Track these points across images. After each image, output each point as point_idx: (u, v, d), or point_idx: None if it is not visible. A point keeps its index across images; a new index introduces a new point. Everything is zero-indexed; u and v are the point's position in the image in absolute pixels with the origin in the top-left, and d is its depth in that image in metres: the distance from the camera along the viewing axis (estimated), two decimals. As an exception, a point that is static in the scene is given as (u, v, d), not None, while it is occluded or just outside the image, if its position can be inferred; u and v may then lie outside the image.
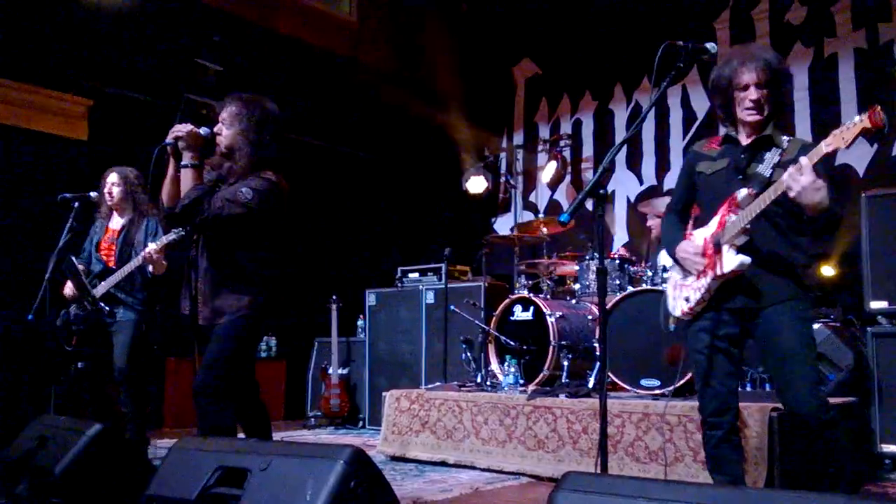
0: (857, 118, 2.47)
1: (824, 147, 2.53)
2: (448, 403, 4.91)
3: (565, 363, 4.97)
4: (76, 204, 4.47)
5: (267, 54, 7.60)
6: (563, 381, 4.89)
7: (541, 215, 7.88)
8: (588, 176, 7.75)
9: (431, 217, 8.91)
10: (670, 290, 3.04)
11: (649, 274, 4.93)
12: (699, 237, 2.89)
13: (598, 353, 4.81)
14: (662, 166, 7.29)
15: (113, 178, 4.60)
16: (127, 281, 4.44)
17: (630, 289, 4.84)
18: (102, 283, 4.43)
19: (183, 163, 3.13)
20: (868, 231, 4.60)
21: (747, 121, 2.83)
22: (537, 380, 5.04)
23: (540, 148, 8.22)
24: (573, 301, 5.55)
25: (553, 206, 8.04)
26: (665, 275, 4.83)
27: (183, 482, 2.33)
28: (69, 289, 4.49)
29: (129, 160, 4.76)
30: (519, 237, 5.94)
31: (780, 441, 3.62)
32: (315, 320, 7.43)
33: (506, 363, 5.12)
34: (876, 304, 4.54)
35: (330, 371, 6.93)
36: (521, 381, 5.01)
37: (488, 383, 5.21)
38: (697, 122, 7.07)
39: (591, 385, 4.67)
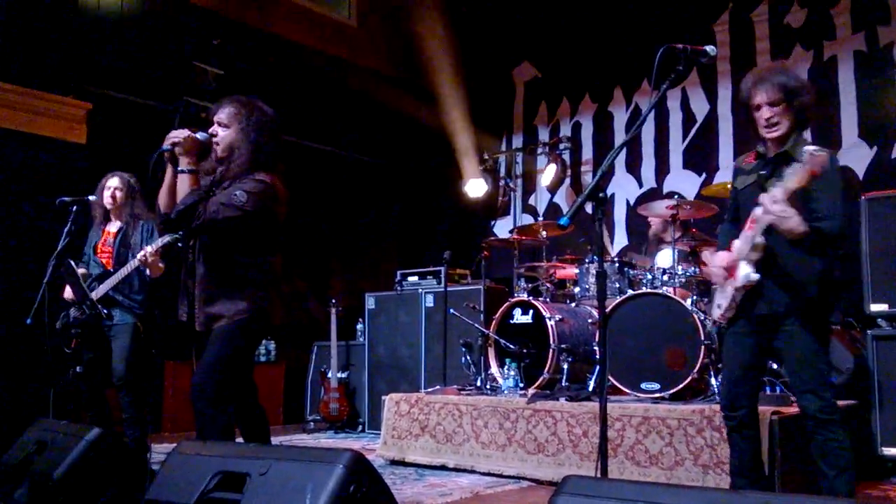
0: (803, 166, 2.66)
1: (790, 185, 2.68)
2: (448, 407, 4.90)
3: (565, 366, 4.96)
4: (74, 208, 4.47)
5: (266, 58, 7.60)
6: (563, 384, 4.88)
7: (540, 218, 7.89)
8: (587, 179, 7.75)
9: (431, 220, 8.91)
10: (715, 296, 3.19)
11: (649, 277, 4.93)
12: (734, 248, 3.02)
13: (598, 357, 4.80)
14: (662, 169, 7.29)
15: (116, 182, 4.61)
16: (125, 284, 4.44)
17: (630, 292, 4.84)
18: (101, 285, 4.44)
19: (180, 168, 3.12)
20: (868, 233, 4.59)
21: (766, 137, 3.00)
22: (537, 383, 5.04)
23: (539, 151, 8.22)
24: (573, 304, 5.54)
25: (552, 210, 8.04)
26: (664, 278, 4.84)
27: (182, 487, 2.32)
28: (69, 292, 4.49)
29: (129, 164, 4.76)
30: (518, 240, 5.93)
31: (780, 445, 3.61)
32: (314, 324, 7.43)
33: (506, 367, 5.11)
34: (876, 307, 4.54)
35: (329, 375, 6.93)
36: (521, 385, 5.01)
37: (488, 387, 5.20)
38: (697, 125, 7.07)
39: (591, 388, 4.67)
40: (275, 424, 7.23)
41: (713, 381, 4.34)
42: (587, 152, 7.90)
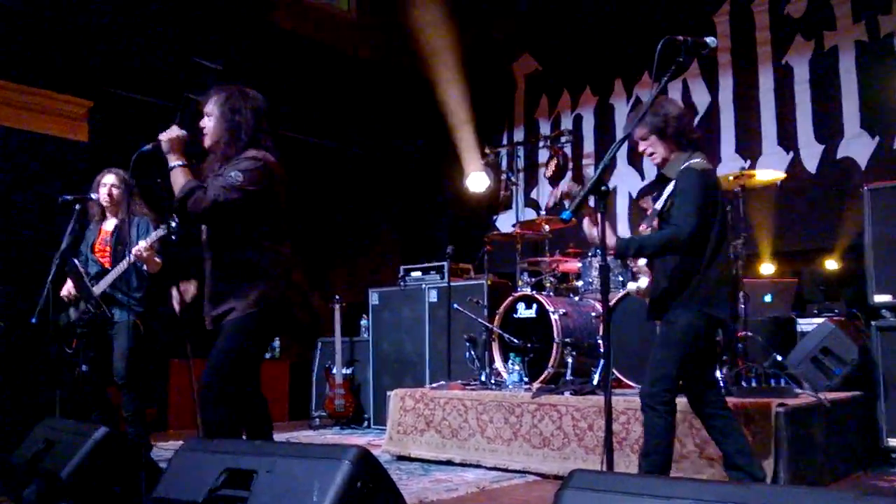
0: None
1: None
2: (453, 402, 4.90)
3: (569, 360, 4.97)
4: (77, 206, 4.47)
5: (266, 51, 7.59)
6: (568, 378, 4.88)
7: (542, 212, 7.89)
8: (590, 172, 7.75)
9: (433, 215, 8.90)
10: None
11: (652, 270, 4.92)
12: None
13: (602, 350, 4.81)
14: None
15: (112, 179, 4.61)
16: (122, 281, 4.44)
17: (633, 285, 4.83)
18: (99, 283, 4.44)
19: (171, 165, 3.09)
20: (871, 224, 4.58)
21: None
22: (542, 377, 5.04)
23: (541, 144, 8.21)
24: (576, 298, 5.54)
25: (554, 203, 8.02)
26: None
27: (190, 485, 2.33)
28: (67, 291, 4.49)
29: (130, 161, 4.76)
30: (521, 234, 5.93)
31: (786, 437, 3.61)
32: (318, 320, 7.44)
33: (510, 361, 5.11)
34: (880, 298, 4.53)
35: (334, 371, 6.93)
36: (526, 379, 5.01)
37: (493, 382, 5.21)
38: (698, 116, 7.06)
39: (595, 382, 4.66)
40: (280, 421, 7.26)
41: (718, 374, 4.34)
42: (589, 145, 7.89)
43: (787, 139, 6.59)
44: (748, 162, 6.60)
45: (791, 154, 6.55)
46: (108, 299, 4.42)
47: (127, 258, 4.34)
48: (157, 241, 4.29)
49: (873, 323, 4.54)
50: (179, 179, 3.07)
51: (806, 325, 5.27)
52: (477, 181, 8.13)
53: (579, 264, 5.62)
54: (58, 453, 3.00)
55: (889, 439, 4.34)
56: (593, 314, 5.26)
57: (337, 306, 6.97)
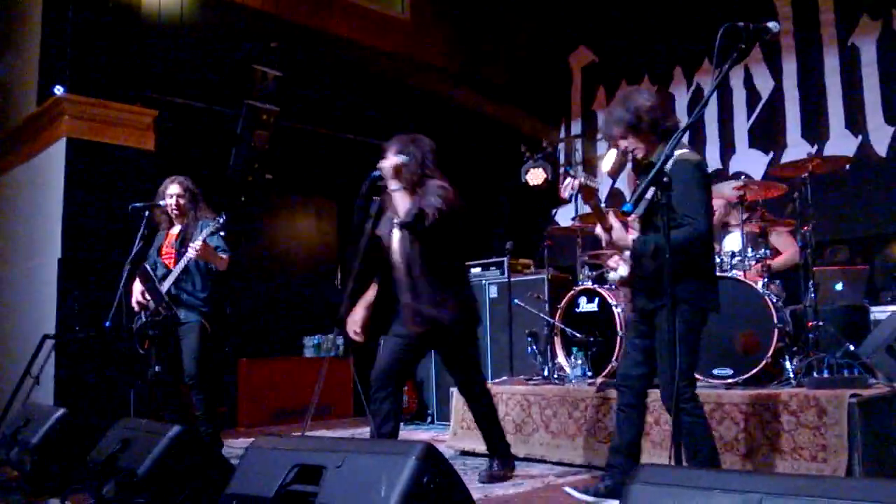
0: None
1: None
2: (516, 397, 4.90)
3: (634, 354, 4.90)
4: (146, 213, 4.62)
5: (323, 57, 7.69)
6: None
7: (603, 205, 7.79)
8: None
9: (492, 211, 8.89)
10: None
11: (717, 260, 4.82)
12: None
13: (666, 343, 4.73)
14: (727, 149, 7.13)
15: (177, 189, 4.72)
16: (187, 282, 4.56)
17: (698, 276, 4.73)
18: (162, 284, 4.56)
19: (392, 189, 3.64)
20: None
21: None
22: (605, 371, 4.99)
23: (599, 136, 8.11)
24: (639, 291, 5.46)
25: (615, 196, 7.93)
26: (733, 262, 4.73)
27: (261, 480, 2.38)
28: (137, 294, 4.63)
29: (195, 168, 4.90)
30: (581, 228, 5.88)
31: (861, 428, 3.50)
32: (379, 318, 7.49)
33: (573, 356, 5.08)
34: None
35: (397, 368, 6.98)
36: (589, 374, 4.97)
37: (555, 376, 5.18)
38: (762, 102, 6.89)
39: (660, 375, 4.60)
40: (345, 416, 7.37)
41: (788, 364, 4.24)
42: (648, 136, 7.76)
43: (855, 122, 6.38)
44: (815, 147, 6.41)
45: (860, 137, 6.34)
46: (174, 300, 4.54)
47: (185, 256, 4.46)
48: (214, 236, 4.41)
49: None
50: (402, 202, 3.63)
51: (879, 312, 5.10)
52: (535, 175, 8.08)
53: (641, 257, 5.53)
54: (134, 452, 3.09)
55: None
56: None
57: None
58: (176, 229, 4.76)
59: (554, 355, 5.37)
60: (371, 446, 2.31)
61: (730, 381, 4.27)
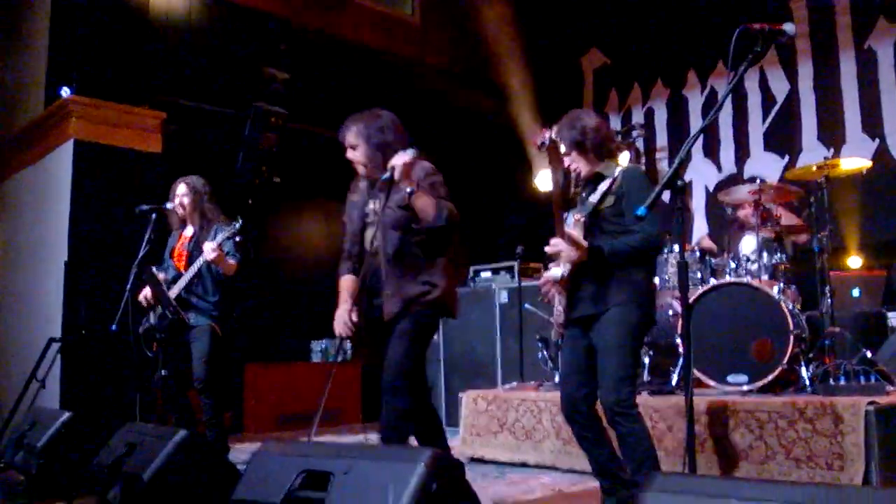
0: None
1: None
2: (526, 403, 4.84)
3: (647, 360, 4.84)
4: (154, 216, 4.58)
5: (332, 59, 7.67)
6: (646, 378, 4.76)
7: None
8: (663, 166, 7.57)
9: (502, 215, 8.85)
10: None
11: (732, 265, 4.76)
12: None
13: (681, 350, 4.66)
14: (742, 153, 7.06)
15: (182, 189, 4.69)
16: (197, 286, 4.52)
17: (713, 281, 4.68)
18: (173, 288, 4.53)
19: (409, 191, 3.29)
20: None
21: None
22: (617, 377, 4.92)
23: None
24: (652, 295, 5.40)
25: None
26: (749, 266, 4.66)
27: (268, 486, 2.34)
28: (144, 296, 4.60)
29: (203, 170, 4.86)
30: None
31: (878, 436, 3.43)
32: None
33: (584, 361, 5.00)
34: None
35: (406, 373, 6.93)
36: (601, 380, 4.89)
37: (567, 382, 5.11)
38: (777, 105, 6.83)
39: (674, 382, 4.54)
40: (353, 423, 7.31)
41: (804, 371, 4.16)
42: (661, 139, 7.71)
43: (873, 126, 6.30)
44: (831, 150, 6.35)
45: (877, 141, 6.26)
46: (184, 304, 4.50)
47: (197, 261, 4.43)
48: (228, 241, 4.38)
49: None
50: (425, 200, 3.31)
51: (896, 319, 5.03)
52: (546, 179, 8.04)
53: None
54: (139, 456, 3.06)
55: None
56: (670, 312, 5.11)
57: (407, 308, 6.96)
58: (189, 231, 4.73)
59: (565, 361, 5.30)
60: (379, 452, 2.28)
61: (745, 388, 4.19)
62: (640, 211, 2.66)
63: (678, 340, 4.76)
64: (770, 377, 4.12)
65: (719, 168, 7.20)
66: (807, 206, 4.74)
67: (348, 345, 7.55)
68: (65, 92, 5.78)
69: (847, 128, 6.45)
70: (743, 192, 4.73)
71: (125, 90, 5.99)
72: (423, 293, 3.30)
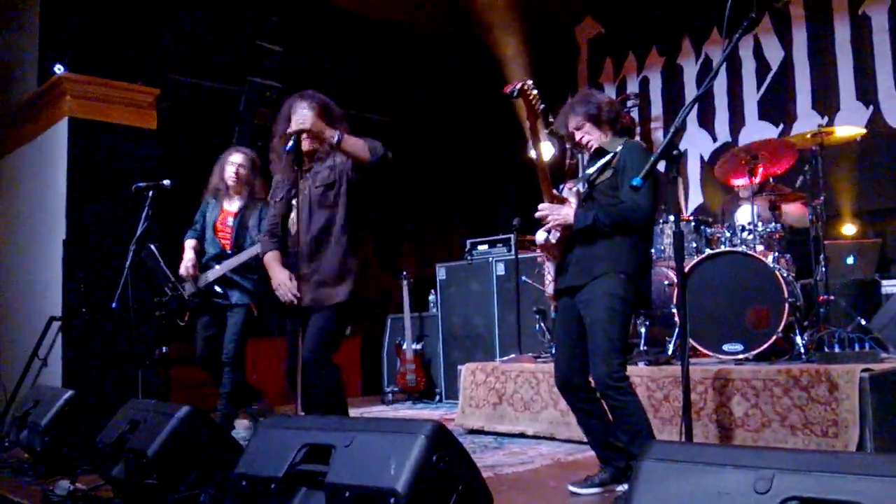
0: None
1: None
2: (524, 375, 4.88)
3: (643, 330, 4.88)
4: (150, 192, 4.57)
5: (325, 31, 7.60)
6: (642, 348, 4.80)
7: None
8: (658, 136, 7.55)
9: (498, 187, 8.84)
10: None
11: (727, 235, 4.78)
12: None
13: (676, 319, 4.70)
14: (736, 122, 7.05)
15: (239, 158, 4.63)
16: (242, 265, 4.53)
17: (708, 251, 4.70)
18: (217, 266, 4.54)
19: (336, 138, 3.30)
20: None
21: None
22: (614, 347, 4.96)
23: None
24: (648, 266, 5.42)
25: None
26: (743, 235, 4.68)
27: (270, 460, 2.37)
28: (184, 267, 4.60)
29: (197, 146, 4.84)
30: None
31: (872, 403, 3.47)
32: (386, 296, 7.50)
33: (581, 332, 5.04)
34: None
35: (404, 347, 6.99)
36: (598, 350, 4.94)
37: (564, 353, 5.15)
38: (772, 73, 6.80)
39: (670, 352, 4.58)
40: (353, 396, 7.37)
41: (799, 339, 4.20)
42: (657, 108, 7.69)
43: (867, 93, 6.29)
44: (825, 118, 6.32)
45: (871, 109, 6.25)
46: (227, 282, 4.53)
47: (251, 248, 4.42)
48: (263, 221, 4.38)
49: None
50: (355, 141, 3.30)
51: (890, 286, 5.07)
52: (541, 151, 8.00)
53: (650, 231, 5.48)
54: (143, 432, 3.09)
55: None
56: (666, 282, 5.14)
57: (405, 282, 7.00)
58: (233, 205, 4.66)
59: (562, 332, 5.34)
60: (380, 425, 2.30)
61: (740, 356, 4.24)
62: (636, 181, 2.67)
63: (674, 310, 4.80)
64: (765, 345, 4.16)
65: (714, 137, 7.19)
66: (801, 174, 4.75)
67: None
68: (58, 69, 5.74)
69: (841, 95, 6.43)
70: (735, 157, 4.73)
71: (118, 67, 5.95)
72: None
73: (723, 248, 4.65)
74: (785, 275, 4.26)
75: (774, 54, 6.80)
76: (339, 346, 3.52)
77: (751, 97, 6.96)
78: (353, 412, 4.07)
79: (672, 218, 4.98)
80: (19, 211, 6.33)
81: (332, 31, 7.67)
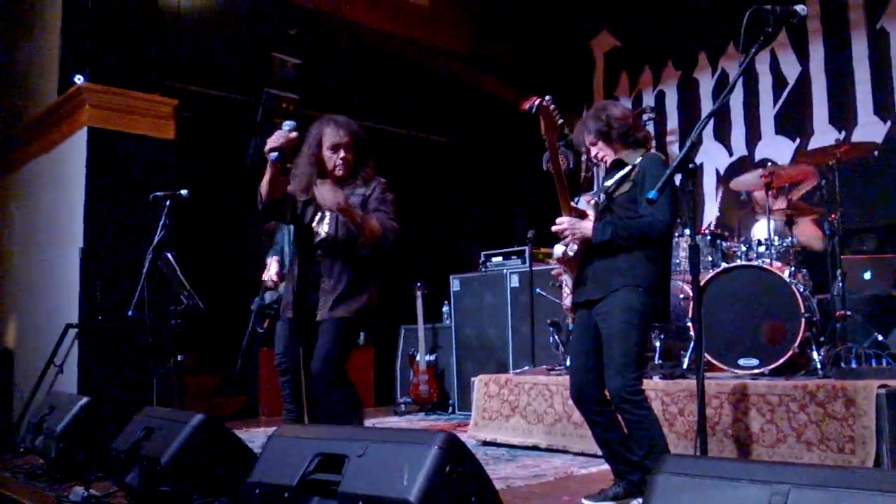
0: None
1: None
2: (538, 387, 4.87)
3: (657, 344, 4.86)
4: (168, 202, 4.60)
5: (342, 44, 7.65)
6: (657, 362, 4.78)
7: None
8: (674, 149, 7.54)
9: (513, 200, 8.84)
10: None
11: (743, 249, 4.76)
12: None
13: (691, 333, 4.68)
14: (753, 136, 7.02)
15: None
16: None
17: (724, 265, 4.68)
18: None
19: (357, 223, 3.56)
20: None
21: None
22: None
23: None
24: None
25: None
26: (760, 250, 4.66)
27: (283, 469, 2.38)
28: (268, 276, 4.64)
29: (216, 157, 4.88)
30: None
31: (889, 419, 3.44)
32: (400, 308, 7.50)
33: (595, 345, 5.03)
34: None
35: (417, 358, 6.99)
36: (612, 363, 4.92)
37: (578, 365, 5.13)
38: (788, 88, 6.77)
39: (685, 366, 4.55)
40: (366, 406, 7.36)
41: (815, 355, 4.17)
42: (672, 122, 7.68)
43: (885, 108, 6.25)
44: (843, 133, 6.31)
45: (888, 123, 6.21)
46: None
47: None
48: None
49: None
50: (374, 224, 3.61)
51: (908, 302, 5.01)
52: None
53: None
54: (157, 440, 3.11)
55: None
56: (681, 296, 5.12)
57: (418, 293, 7.00)
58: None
59: (576, 344, 5.32)
60: (393, 435, 2.30)
61: (755, 371, 4.21)
62: (651, 194, 2.66)
63: (689, 323, 4.78)
64: (781, 360, 4.13)
65: (730, 151, 7.17)
66: (818, 189, 4.73)
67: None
68: (78, 79, 5.80)
69: (858, 109, 6.40)
70: (746, 179, 4.73)
71: (138, 77, 6.01)
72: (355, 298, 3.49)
73: (739, 262, 4.63)
74: (801, 290, 4.24)
75: (791, 69, 6.78)
76: (349, 357, 3.53)
77: (767, 111, 6.93)
78: (365, 422, 4.06)
79: (688, 231, 4.97)
80: (38, 219, 6.39)
81: (349, 44, 7.72)
